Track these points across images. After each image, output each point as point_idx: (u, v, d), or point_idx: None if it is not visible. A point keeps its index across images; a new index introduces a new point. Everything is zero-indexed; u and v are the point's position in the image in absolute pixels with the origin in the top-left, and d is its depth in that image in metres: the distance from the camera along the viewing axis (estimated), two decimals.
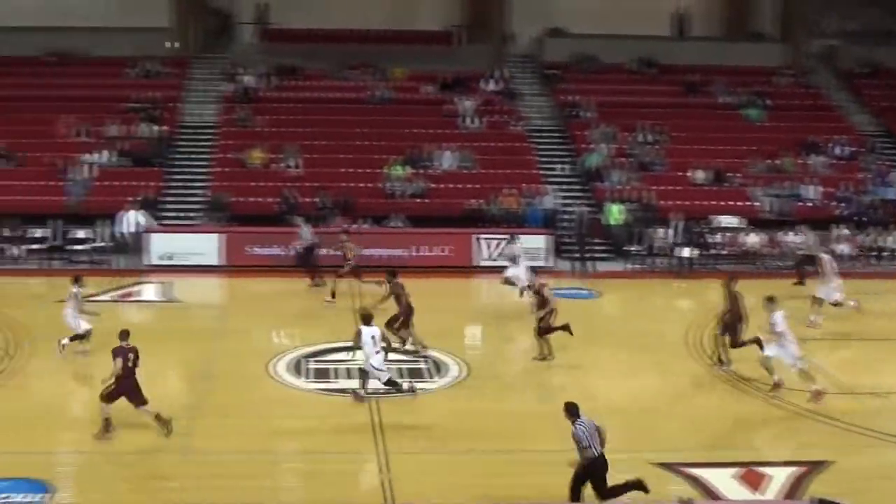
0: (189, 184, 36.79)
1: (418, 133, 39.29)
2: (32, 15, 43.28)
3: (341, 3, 43.76)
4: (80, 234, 34.03)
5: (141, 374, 19.72)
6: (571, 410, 16.43)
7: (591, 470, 16.12)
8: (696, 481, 17.83)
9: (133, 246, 33.30)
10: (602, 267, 34.63)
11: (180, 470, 18.70)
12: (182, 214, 35.65)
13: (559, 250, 34.87)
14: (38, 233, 33.96)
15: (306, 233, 32.23)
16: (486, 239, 34.09)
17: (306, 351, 24.98)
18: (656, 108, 41.67)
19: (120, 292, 30.63)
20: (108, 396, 19.62)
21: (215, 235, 33.41)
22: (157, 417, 19.65)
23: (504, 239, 32.58)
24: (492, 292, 32.04)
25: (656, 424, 20.96)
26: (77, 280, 24.43)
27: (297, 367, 23.95)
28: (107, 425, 19.62)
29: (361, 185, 36.63)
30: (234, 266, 32.79)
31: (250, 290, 31.54)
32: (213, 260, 33.06)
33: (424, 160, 37.97)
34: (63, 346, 23.92)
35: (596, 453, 16.09)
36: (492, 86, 42.46)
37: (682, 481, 17.87)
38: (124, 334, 20.07)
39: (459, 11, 45.67)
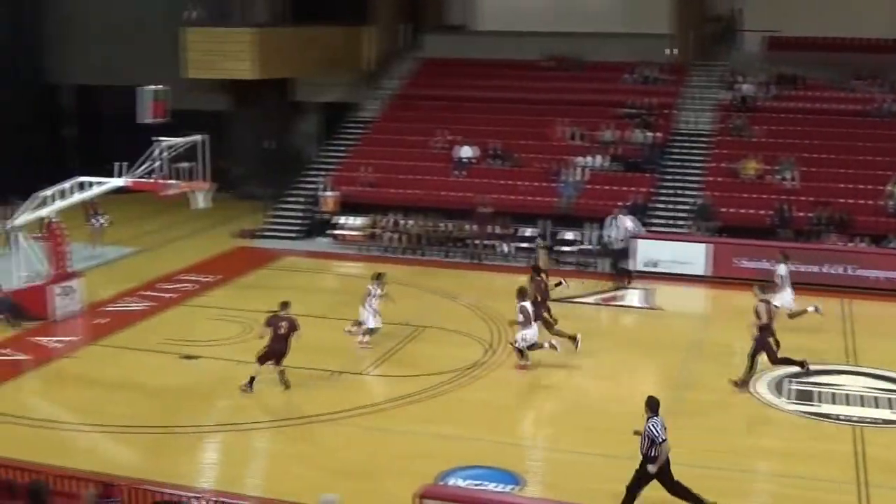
0: (679, 192, 36.18)
1: None
2: (537, 20, 44.31)
3: (848, 11, 41.70)
4: (569, 235, 34.27)
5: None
6: (652, 406, 16.64)
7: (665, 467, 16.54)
8: None
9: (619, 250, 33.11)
10: None
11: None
12: (670, 222, 35.10)
13: None
14: (528, 232, 34.52)
15: (623, 230, 32.32)
16: None
17: (789, 370, 23.74)
18: None
19: (603, 296, 30.57)
20: (260, 358, 22.24)
21: (703, 245, 32.61)
22: (281, 374, 22.34)
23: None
24: None
25: None
26: (378, 277, 25.79)
27: (778, 386, 22.85)
28: (251, 382, 22.16)
29: (861, 201, 34.59)
30: (720, 277, 31.86)
31: (735, 303, 30.51)
32: (700, 270, 32.24)
33: None
34: (350, 331, 25.49)
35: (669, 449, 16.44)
36: None
37: None
38: (283, 305, 22.69)
39: None
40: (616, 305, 30.10)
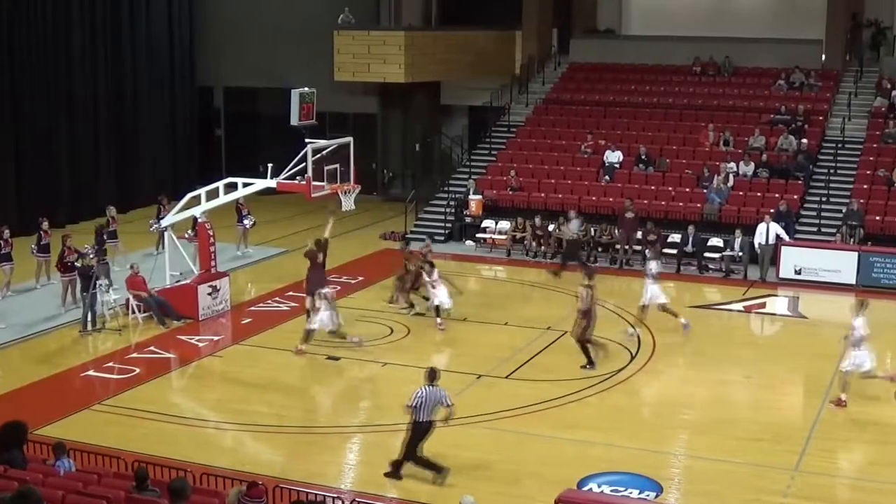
0: (828, 199, 35.37)
1: None
2: (687, 25, 43.88)
3: None
4: (715, 242, 33.74)
5: None
6: (429, 375, 17.94)
7: (412, 431, 17.86)
8: None
9: (764, 258, 32.48)
10: None
11: (789, 489, 18.02)
12: (818, 230, 34.34)
13: None
14: (675, 238, 34.07)
15: (575, 226, 33.45)
16: None
17: None
18: None
19: (748, 303, 30.10)
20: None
21: (851, 253, 31.84)
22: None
23: None
24: None
25: None
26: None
27: None
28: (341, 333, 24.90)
29: None
30: (869, 286, 31.08)
31: (883, 314, 29.81)
32: (849, 279, 31.47)
33: None
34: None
35: (420, 419, 17.75)
36: None
37: None
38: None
39: None
40: (759, 313, 29.59)
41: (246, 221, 34.49)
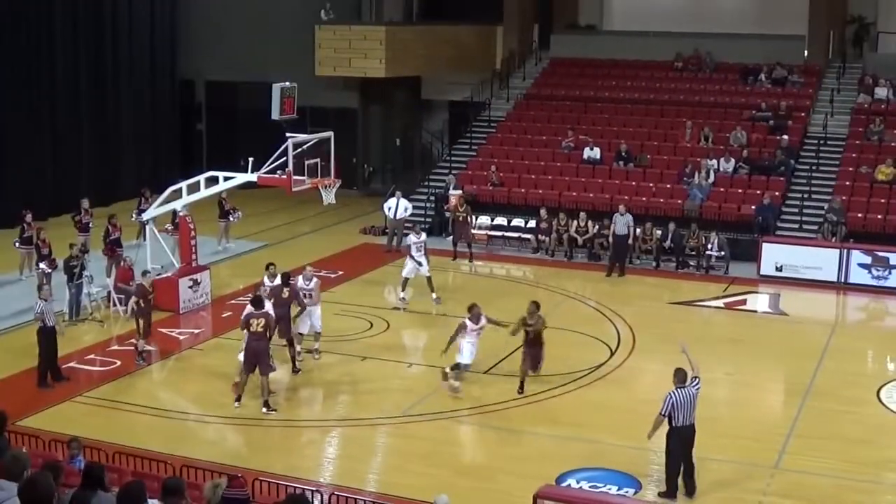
0: (810, 196, 35.42)
1: None
2: (669, 20, 43.85)
3: None
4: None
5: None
6: (679, 376, 17.17)
7: (671, 437, 17.08)
8: None
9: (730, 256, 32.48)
10: None
11: (769, 486, 18.04)
12: (800, 227, 34.37)
13: None
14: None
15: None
16: None
17: None
18: None
19: (729, 300, 30.10)
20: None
21: (834, 251, 31.85)
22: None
23: None
24: None
25: None
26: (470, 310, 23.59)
27: None
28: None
29: None
30: (851, 284, 31.15)
31: (869, 310, 29.93)
32: (831, 276, 31.49)
33: None
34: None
35: (676, 423, 16.98)
36: None
37: None
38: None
39: None
40: (740, 310, 29.60)
41: (231, 217, 34.31)
